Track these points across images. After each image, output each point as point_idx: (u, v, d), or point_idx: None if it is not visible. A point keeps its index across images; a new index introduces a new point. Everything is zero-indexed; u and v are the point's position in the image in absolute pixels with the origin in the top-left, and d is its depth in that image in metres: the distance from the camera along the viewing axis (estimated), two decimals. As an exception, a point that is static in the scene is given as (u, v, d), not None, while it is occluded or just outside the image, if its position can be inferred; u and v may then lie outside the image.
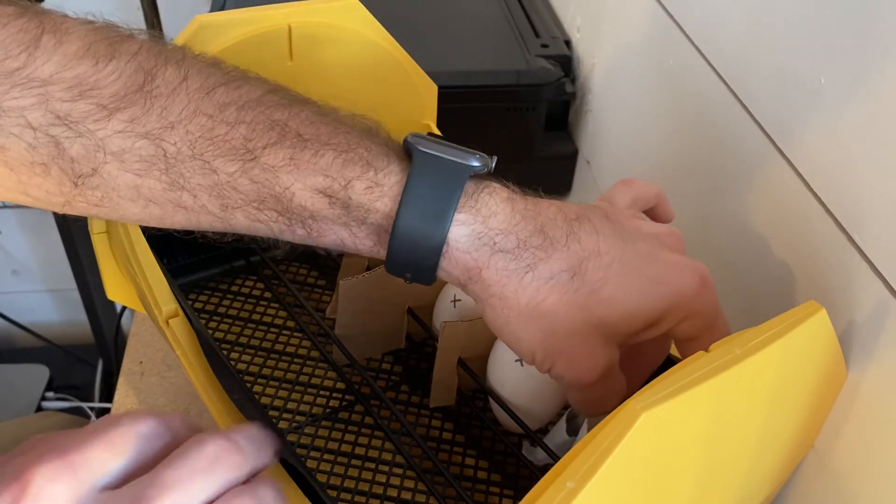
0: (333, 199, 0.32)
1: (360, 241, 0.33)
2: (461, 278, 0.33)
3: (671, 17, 0.54)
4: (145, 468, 0.28)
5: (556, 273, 0.32)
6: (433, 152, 0.33)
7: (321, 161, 0.32)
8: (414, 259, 0.32)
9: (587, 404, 0.36)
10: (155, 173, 0.32)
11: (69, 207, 0.34)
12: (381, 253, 0.34)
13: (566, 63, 0.73)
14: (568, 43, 0.76)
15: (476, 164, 0.33)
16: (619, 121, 0.66)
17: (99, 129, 0.31)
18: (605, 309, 0.32)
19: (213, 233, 0.36)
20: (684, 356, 0.35)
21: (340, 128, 0.34)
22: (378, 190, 0.32)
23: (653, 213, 0.40)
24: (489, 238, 0.32)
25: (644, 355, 0.38)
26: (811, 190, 0.38)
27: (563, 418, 0.41)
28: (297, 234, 0.34)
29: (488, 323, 0.34)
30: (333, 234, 0.34)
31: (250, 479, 0.30)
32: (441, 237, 0.32)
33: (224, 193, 0.33)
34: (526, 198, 0.34)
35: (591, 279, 0.32)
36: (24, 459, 0.27)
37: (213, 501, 0.28)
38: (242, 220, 0.34)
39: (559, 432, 0.41)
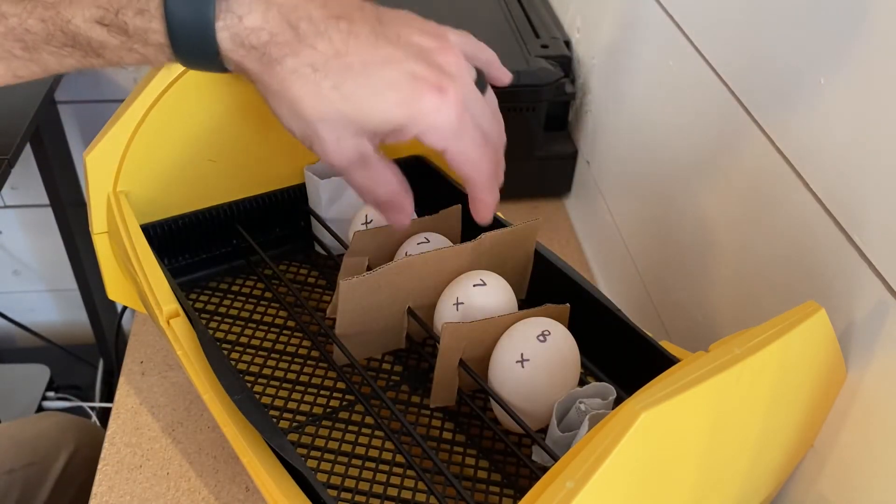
0: (111, 27, 0.35)
1: (153, 57, 0.37)
2: (237, 70, 0.37)
3: (671, 17, 0.54)
4: None
5: (300, 67, 0.36)
6: None
7: None
8: (201, 62, 0.37)
9: (358, 190, 0.40)
10: None
11: None
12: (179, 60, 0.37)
13: (566, 63, 0.73)
14: (568, 43, 0.76)
15: None
16: (619, 121, 0.66)
17: None
18: (345, 104, 0.36)
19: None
20: (451, 167, 0.39)
21: None
22: (148, 14, 0.35)
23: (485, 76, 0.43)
24: (244, 37, 0.36)
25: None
26: (810, 190, 0.38)
27: (554, 415, 0.41)
28: (98, 63, 0.37)
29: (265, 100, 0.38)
30: (129, 58, 0.37)
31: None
32: (213, 45, 0.36)
33: (21, 37, 0.36)
34: None
35: (334, 75, 0.36)
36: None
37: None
38: (50, 59, 0.37)
39: (553, 430, 0.41)
